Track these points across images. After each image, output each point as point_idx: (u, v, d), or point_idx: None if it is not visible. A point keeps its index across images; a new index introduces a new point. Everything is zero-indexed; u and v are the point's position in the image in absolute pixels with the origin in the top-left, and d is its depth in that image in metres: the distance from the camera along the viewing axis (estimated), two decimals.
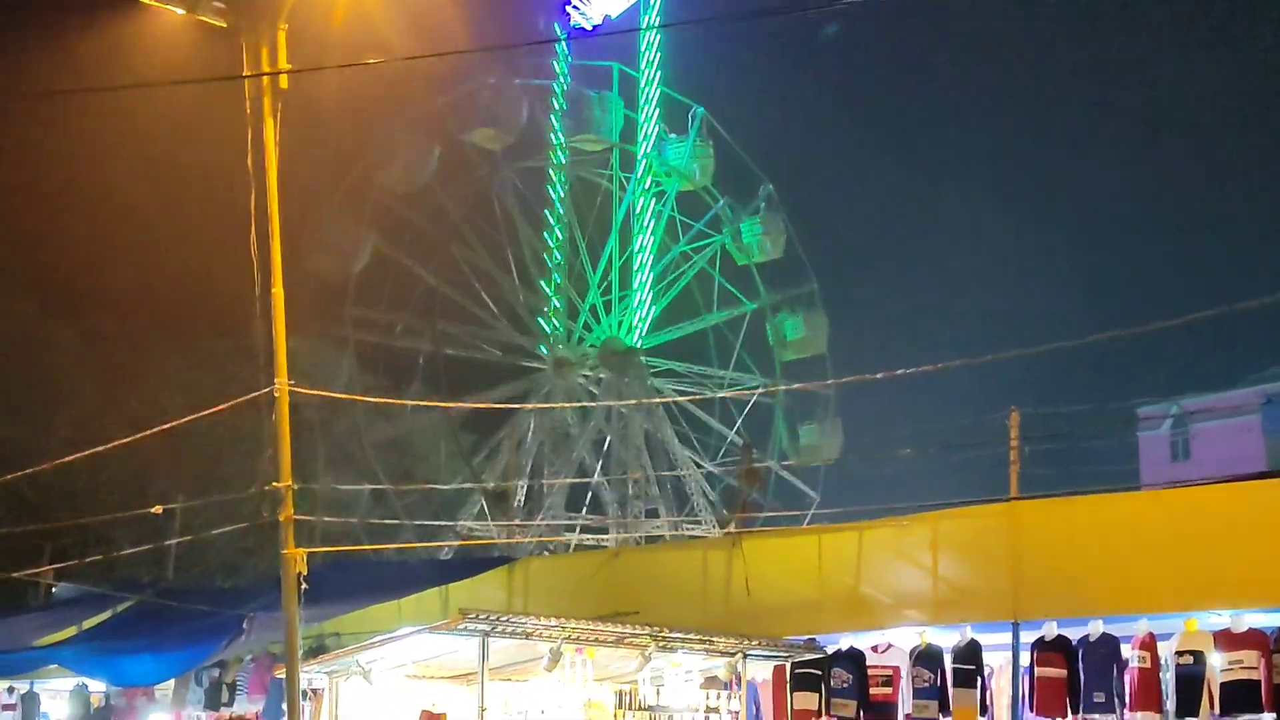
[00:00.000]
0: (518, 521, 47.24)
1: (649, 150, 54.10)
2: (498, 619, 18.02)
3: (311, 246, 47.90)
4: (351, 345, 49.17)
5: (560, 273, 54.59)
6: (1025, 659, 19.97)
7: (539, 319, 54.33)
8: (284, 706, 20.35)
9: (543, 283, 54.52)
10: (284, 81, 19.83)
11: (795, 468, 54.83)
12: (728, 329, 55.85)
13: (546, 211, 54.59)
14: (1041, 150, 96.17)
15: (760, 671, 22.43)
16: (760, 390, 53.63)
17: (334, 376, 47.53)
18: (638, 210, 54.14)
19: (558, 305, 54.42)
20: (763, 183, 55.36)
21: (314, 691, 22.24)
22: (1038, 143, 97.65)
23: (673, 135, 54.65)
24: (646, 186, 54.28)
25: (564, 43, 53.60)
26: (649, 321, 54.29)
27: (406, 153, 49.70)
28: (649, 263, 54.15)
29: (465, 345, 52.12)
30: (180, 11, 19.93)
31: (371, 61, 18.71)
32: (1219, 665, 18.19)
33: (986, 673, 20.64)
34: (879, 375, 19.84)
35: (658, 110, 54.37)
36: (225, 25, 20.02)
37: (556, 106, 53.89)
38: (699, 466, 53.55)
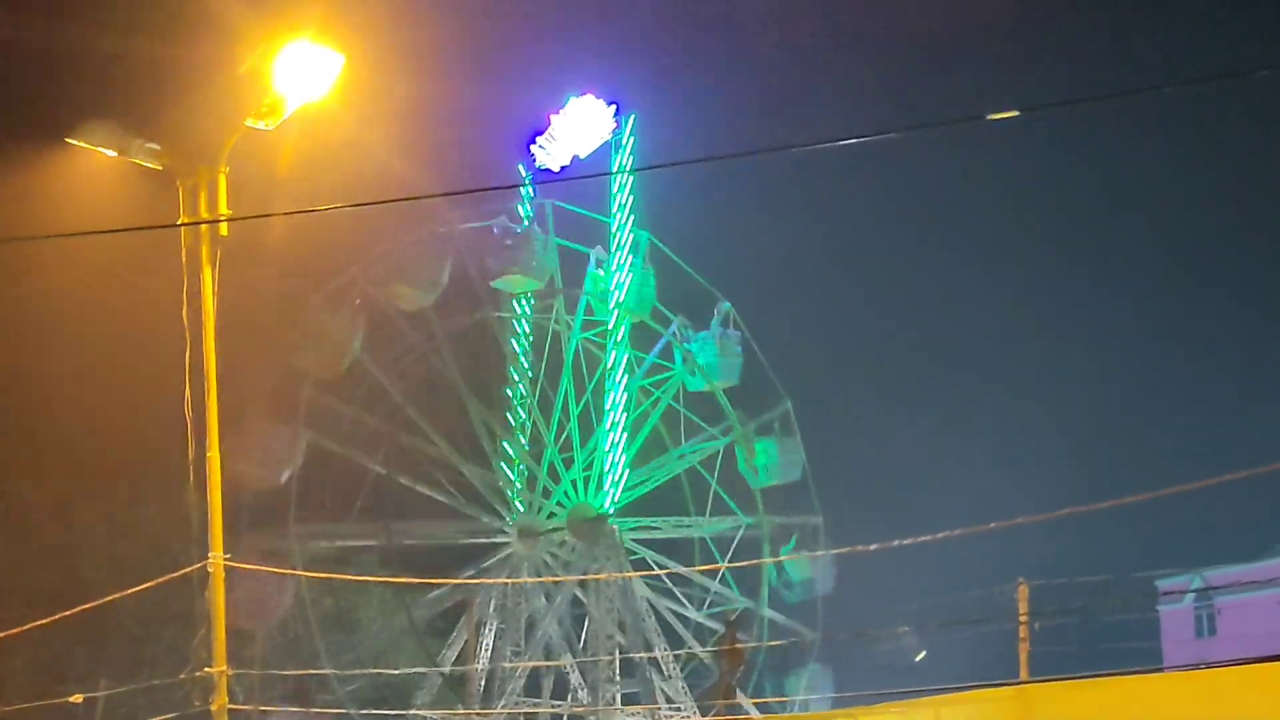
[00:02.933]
0: (478, 709, 46.67)
1: (620, 301, 54.35)
2: None
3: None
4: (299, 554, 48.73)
5: (528, 433, 54.49)
6: None
7: (504, 484, 54.05)
8: None
9: (506, 444, 54.37)
10: (224, 229, 19.93)
11: (789, 607, 54.29)
12: (714, 541, 55.50)
13: (511, 369, 54.66)
14: (1054, 306, 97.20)
15: None
16: (745, 526, 53.81)
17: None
18: (610, 365, 54.25)
19: (526, 469, 54.19)
20: (781, 398, 55.46)
21: None
22: (1049, 298, 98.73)
23: (696, 332, 54.92)
24: (619, 338, 54.48)
25: (529, 185, 54.07)
26: (621, 487, 54.04)
27: (412, 269, 50.05)
28: (623, 422, 54.12)
29: (422, 476, 51.86)
30: (112, 154, 20.08)
31: (317, 209, 18.88)
32: None
33: None
34: (873, 546, 19.81)
35: (631, 257, 54.69)
36: (160, 168, 20.17)
37: (537, 256, 54.20)
38: (678, 644, 53.01)
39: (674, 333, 54.92)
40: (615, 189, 55.04)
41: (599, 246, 54.46)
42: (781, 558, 53.36)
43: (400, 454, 51.35)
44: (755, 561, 53.61)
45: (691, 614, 54.34)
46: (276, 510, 48.10)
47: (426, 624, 52.22)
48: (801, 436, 55.34)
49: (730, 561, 54.06)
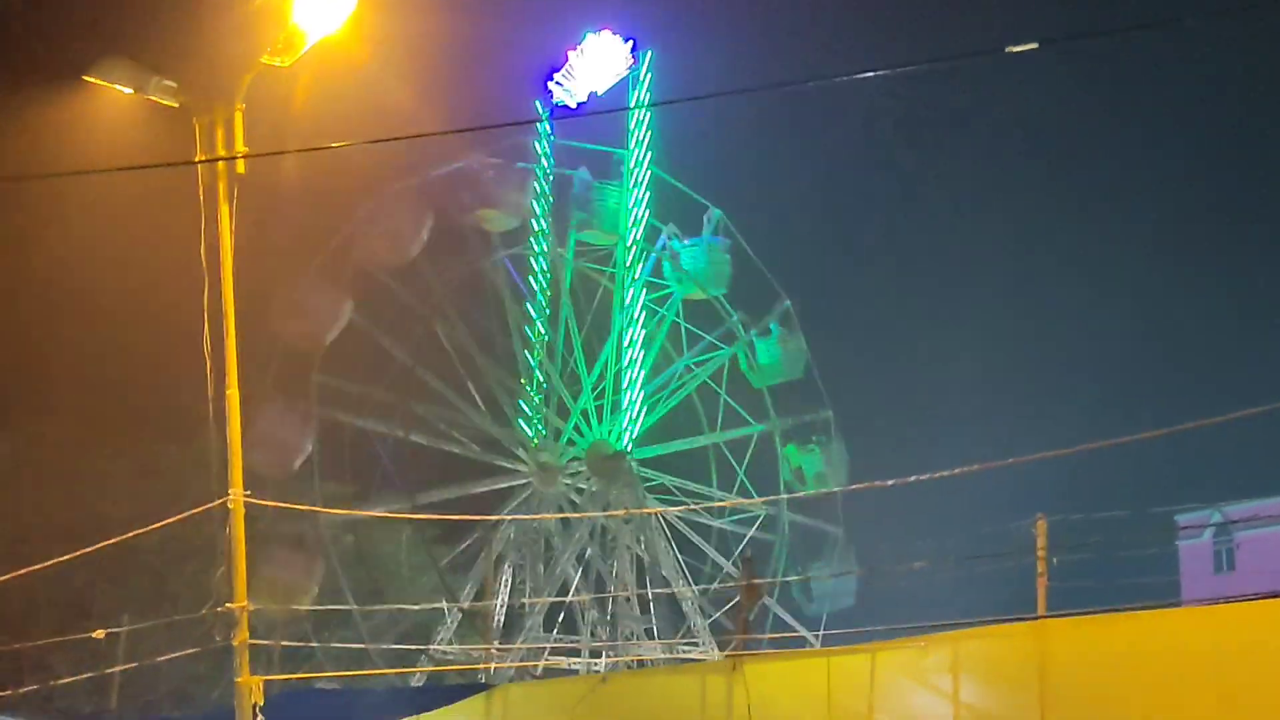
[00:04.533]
0: (496, 644, 46.90)
1: (638, 238, 54.31)
2: None
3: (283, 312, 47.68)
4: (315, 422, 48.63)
5: (544, 370, 54.48)
6: None
7: (520, 420, 54.17)
8: None
9: (524, 382, 54.44)
10: (240, 166, 19.90)
11: (810, 507, 54.51)
12: (730, 450, 55.52)
13: (528, 304, 54.61)
14: (1070, 238, 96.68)
15: None
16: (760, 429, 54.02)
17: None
18: (627, 302, 54.23)
19: (540, 404, 54.26)
20: (780, 297, 55.31)
21: None
22: (1064, 230, 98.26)
23: (686, 240, 54.60)
24: (637, 277, 54.44)
25: (546, 122, 53.89)
26: (639, 424, 54.13)
27: (392, 226, 49.56)
28: (640, 359, 54.18)
29: (438, 434, 51.84)
30: (128, 91, 20.04)
31: (335, 145, 18.82)
32: None
33: None
34: (890, 482, 19.80)
35: (648, 194, 54.63)
36: (177, 105, 20.14)
37: (540, 190, 54.16)
38: (696, 583, 53.18)
39: (664, 243, 54.74)
40: (632, 125, 54.94)
41: (582, 167, 54.21)
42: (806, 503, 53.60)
43: (414, 417, 51.26)
44: (770, 507, 53.77)
45: (715, 524, 54.51)
46: (298, 494, 47.89)
47: (447, 561, 52.45)
48: (807, 339, 55.36)
49: (746, 467, 54.30)
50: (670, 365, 55.31)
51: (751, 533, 54.18)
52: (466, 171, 50.75)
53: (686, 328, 55.40)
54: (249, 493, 20.10)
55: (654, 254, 54.63)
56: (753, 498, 54.36)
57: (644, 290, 54.45)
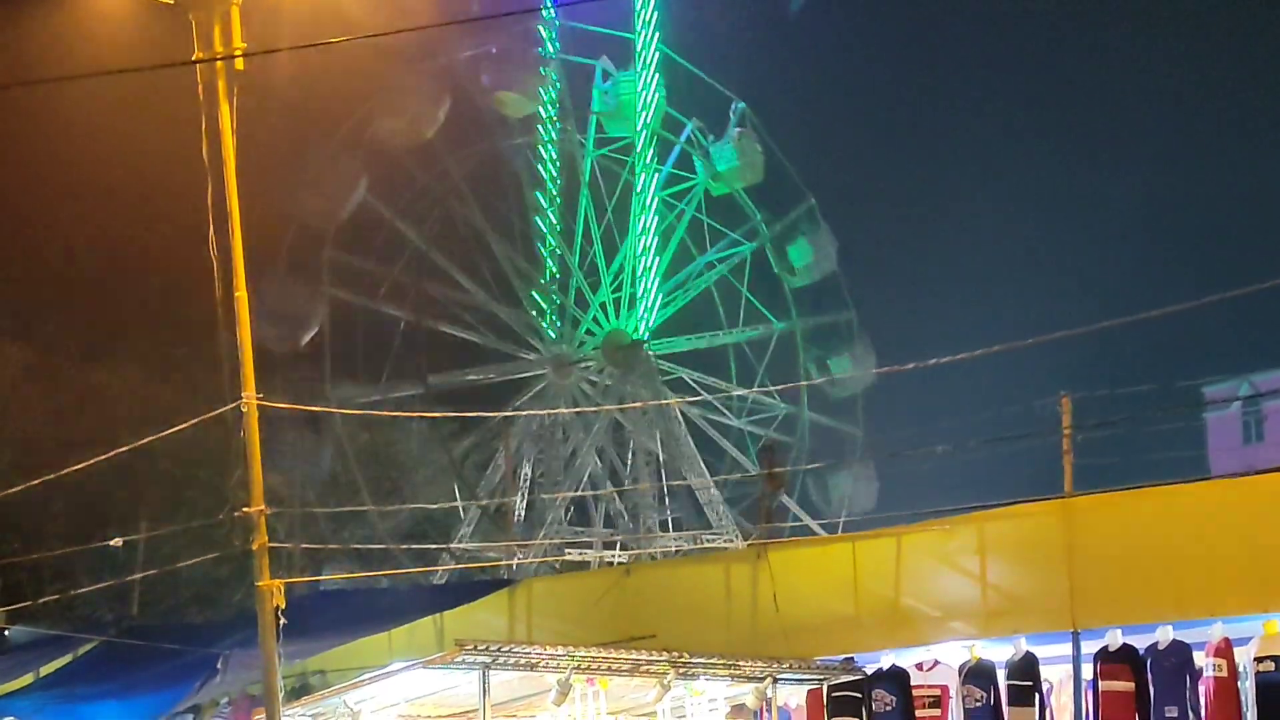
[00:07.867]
0: (518, 539, 47.20)
1: (649, 121, 54.04)
2: (499, 649, 18.03)
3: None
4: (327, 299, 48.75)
5: (556, 259, 54.47)
6: (1087, 672, 19.96)
7: (534, 313, 54.19)
8: None
9: (539, 274, 54.44)
10: (239, 63, 19.77)
11: (831, 408, 54.60)
12: (751, 350, 55.51)
13: (539, 194, 54.48)
14: (1090, 116, 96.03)
15: (793, 697, 22.44)
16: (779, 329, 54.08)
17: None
18: (639, 189, 54.08)
19: (555, 295, 54.28)
20: (805, 195, 54.90)
21: None
22: (1085, 109, 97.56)
23: (712, 138, 54.24)
24: (649, 161, 54.22)
25: (549, 7, 53.60)
26: (655, 312, 54.15)
27: (410, 105, 49.39)
28: (655, 246, 54.12)
29: (452, 319, 51.95)
30: None
31: (333, 41, 18.67)
32: None
33: (1045, 689, 20.62)
34: (910, 365, 19.82)
35: (658, 76, 54.34)
36: (172, 2, 20.00)
37: (549, 77, 53.87)
38: (718, 471, 53.43)
39: (689, 138, 54.53)
40: (639, 5, 54.55)
41: (604, 57, 53.95)
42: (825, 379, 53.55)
43: (427, 300, 51.36)
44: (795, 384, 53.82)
45: (734, 422, 54.70)
46: (310, 374, 48.03)
47: (465, 457, 52.72)
48: (831, 233, 55.12)
49: (767, 366, 54.42)
50: (689, 259, 55.23)
51: (769, 433, 54.34)
52: (488, 54, 50.61)
53: (709, 223, 55.26)
54: (261, 396, 20.16)
55: (678, 145, 54.44)
56: (773, 396, 54.41)
57: (656, 175, 54.27)
